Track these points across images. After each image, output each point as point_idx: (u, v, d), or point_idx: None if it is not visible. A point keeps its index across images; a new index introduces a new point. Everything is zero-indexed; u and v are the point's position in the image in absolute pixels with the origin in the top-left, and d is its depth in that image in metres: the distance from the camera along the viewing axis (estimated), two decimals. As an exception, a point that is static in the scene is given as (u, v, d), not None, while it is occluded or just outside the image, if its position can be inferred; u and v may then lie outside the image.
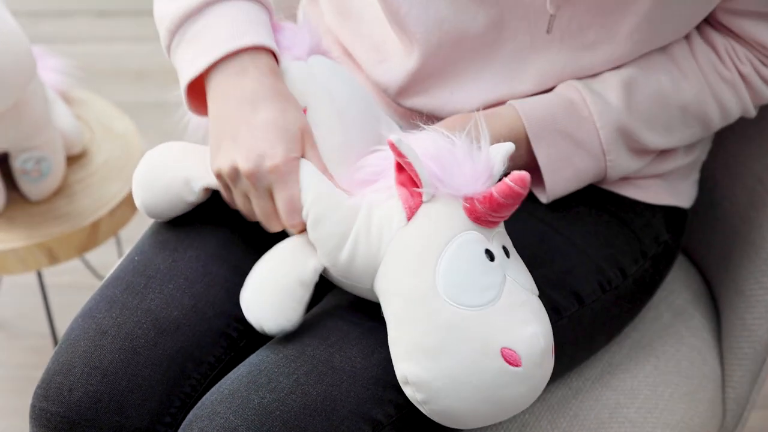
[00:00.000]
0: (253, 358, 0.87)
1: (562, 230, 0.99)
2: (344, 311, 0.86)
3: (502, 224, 0.85)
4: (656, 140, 0.99)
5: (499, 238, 0.84)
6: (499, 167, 0.82)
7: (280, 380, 0.84)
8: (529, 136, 0.96)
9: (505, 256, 0.83)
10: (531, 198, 1.00)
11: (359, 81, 1.06)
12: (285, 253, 0.87)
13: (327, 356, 0.85)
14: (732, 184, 1.15)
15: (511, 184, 0.78)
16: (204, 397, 0.86)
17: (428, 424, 0.85)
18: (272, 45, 0.90)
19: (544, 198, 0.99)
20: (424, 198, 0.83)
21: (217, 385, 0.87)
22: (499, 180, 0.81)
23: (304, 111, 0.90)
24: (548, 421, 1.03)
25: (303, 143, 0.88)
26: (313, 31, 0.95)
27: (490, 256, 0.82)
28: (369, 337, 0.86)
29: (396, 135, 0.81)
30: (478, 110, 0.98)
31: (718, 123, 1.01)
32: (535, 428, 1.02)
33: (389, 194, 0.84)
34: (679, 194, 1.07)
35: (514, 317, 0.80)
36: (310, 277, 0.86)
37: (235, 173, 0.88)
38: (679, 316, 1.13)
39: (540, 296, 0.93)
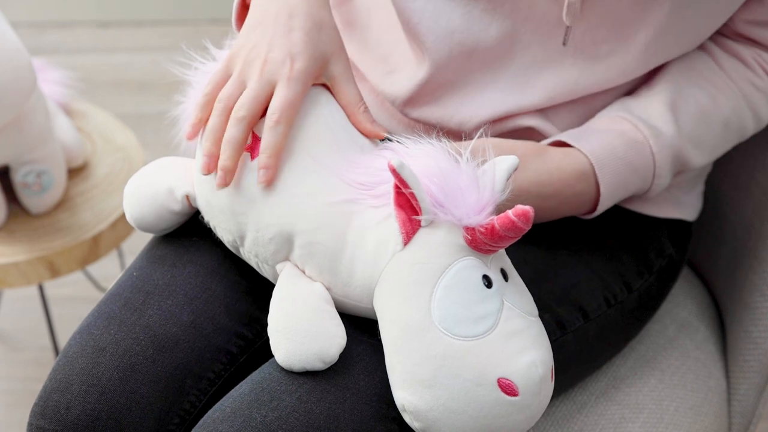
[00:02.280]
0: (256, 376, 0.87)
1: (567, 244, 0.99)
2: (348, 328, 0.86)
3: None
4: (702, 159, 0.99)
5: (497, 262, 0.82)
6: (501, 189, 0.81)
7: (282, 398, 0.83)
8: (595, 167, 0.94)
9: (503, 280, 0.82)
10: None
11: (365, 94, 1.05)
12: (290, 292, 0.86)
13: (330, 374, 0.84)
14: (737, 195, 1.15)
15: (515, 219, 0.77)
16: (206, 415, 0.86)
17: None
18: None
19: (586, 216, 0.98)
20: (422, 224, 0.81)
21: (219, 403, 0.86)
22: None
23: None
24: (553, 436, 1.02)
25: (327, 64, 0.89)
26: None
27: (488, 281, 0.81)
28: (372, 353, 0.85)
29: (397, 158, 0.79)
30: (485, 123, 0.98)
31: (752, 132, 1.01)
32: (540, 443, 1.01)
33: (386, 214, 0.83)
34: (684, 207, 1.06)
35: (511, 346, 0.79)
36: (328, 294, 0.86)
37: (253, 55, 0.87)
38: (684, 329, 1.13)
39: (545, 311, 0.92)
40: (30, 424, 0.90)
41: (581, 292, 0.97)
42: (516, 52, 0.96)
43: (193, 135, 0.89)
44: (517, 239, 0.79)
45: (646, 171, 0.96)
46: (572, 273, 0.97)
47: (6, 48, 1.25)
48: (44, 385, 0.90)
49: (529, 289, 0.86)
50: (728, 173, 1.15)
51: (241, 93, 0.87)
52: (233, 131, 0.86)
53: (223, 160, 0.86)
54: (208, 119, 0.88)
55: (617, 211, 1.02)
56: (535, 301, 0.86)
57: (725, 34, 1.00)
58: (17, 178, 1.35)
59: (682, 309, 1.15)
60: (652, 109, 0.96)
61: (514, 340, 0.80)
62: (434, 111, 1.00)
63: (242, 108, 0.86)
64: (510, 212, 0.77)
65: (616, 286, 0.99)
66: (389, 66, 1.02)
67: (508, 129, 0.99)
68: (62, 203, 1.40)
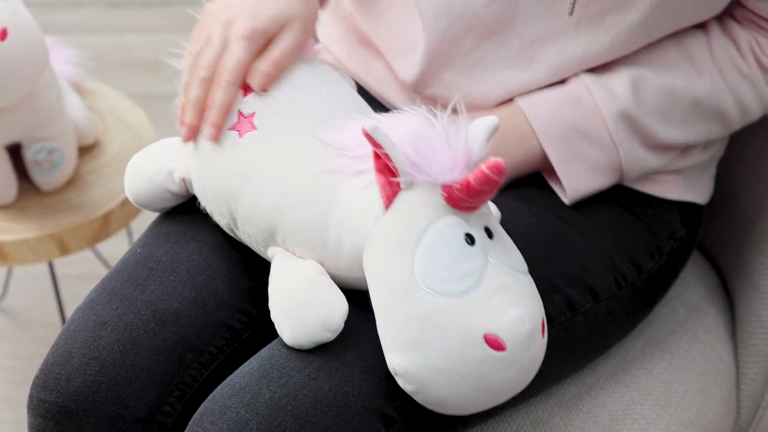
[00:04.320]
0: (265, 352, 0.87)
1: (577, 226, 0.98)
2: (355, 306, 0.86)
3: (487, 204, 0.84)
4: (670, 133, 0.98)
5: (480, 220, 0.82)
6: (480, 147, 0.81)
7: (291, 375, 0.83)
8: (538, 134, 0.95)
9: (487, 238, 0.82)
10: (546, 193, 1.00)
11: (378, 69, 1.05)
12: (284, 272, 0.86)
13: (339, 351, 0.84)
14: (748, 177, 1.15)
15: (488, 171, 0.77)
16: (215, 391, 0.86)
17: (439, 417, 0.84)
18: None
19: (566, 199, 0.99)
20: (401, 186, 0.82)
21: (228, 379, 0.86)
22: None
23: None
24: (561, 417, 1.02)
25: (285, 26, 0.91)
26: None
27: (471, 239, 0.81)
28: None
29: (371, 122, 0.80)
30: (497, 102, 0.98)
31: (737, 120, 1.00)
32: (548, 424, 1.01)
33: (369, 181, 0.83)
34: (696, 189, 1.06)
35: (496, 302, 0.79)
36: (321, 268, 0.86)
37: (216, 13, 0.91)
38: (693, 313, 1.13)
39: (555, 292, 0.92)
40: (31, 396, 0.91)
41: (591, 274, 0.97)
42: (517, 26, 0.96)
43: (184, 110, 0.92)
44: (494, 193, 0.79)
45: (602, 137, 0.96)
46: (582, 254, 0.97)
47: (19, 25, 1.25)
48: (46, 358, 0.91)
49: (539, 270, 0.86)
50: (740, 156, 1.15)
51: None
52: (195, 92, 0.90)
53: (188, 118, 0.91)
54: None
55: (628, 192, 1.02)
56: (545, 282, 0.86)
57: (734, 15, 0.99)
58: (28, 155, 1.35)
59: (692, 292, 1.15)
60: (616, 78, 0.97)
61: (500, 296, 0.80)
62: (444, 92, 1.00)
63: (201, 69, 0.90)
64: (482, 165, 0.77)
65: (626, 267, 0.99)
66: (405, 43, 1.02)
67: None
68: (73, 181, 1.40)
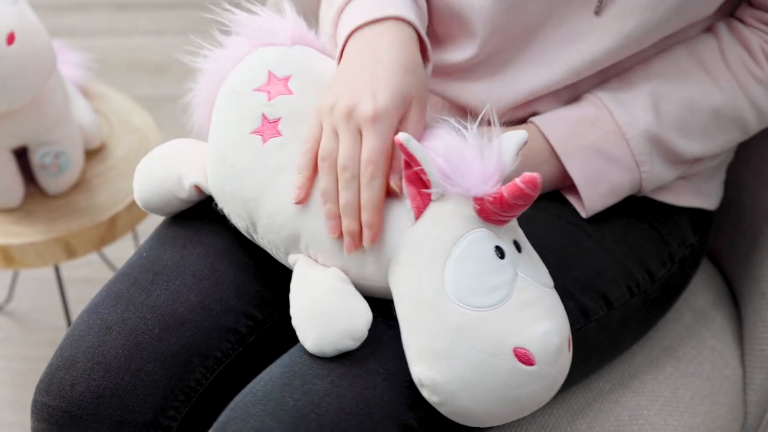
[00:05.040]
0: (286, 359, 0.86)
1: (591, 233, 0.98)
2: (377, 313, 0.86)
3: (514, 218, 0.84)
4: (693, 147, 0.98)
5: (509, 233, 0.82)
6: (510, 161, 0.81)
7: (314, 382, 0.83)
8: (560, 154, 0.95)
9: (516, 251, 0.82)
10: (560, 200, 1.00)
11: None
12: (307, 280, 0.86)
13: (361, 358, 0.84)
14: (755, 183, 1.15)
15: (522, 186, 0.77)
16: (236, 398, 0.86)
17: (460, 428, 0.84)
18: (415, 21, 0.90)
19: (583, 213, 0.99)
20: (432, 197, 0.82)
21: (249, 386, 0.86)
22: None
23: (288, 78, 0.90)
24: (568, 423, 1.02)
25: (409, 107, 0.85)
26: (297, 23, 0.94)
27: (500, 253, 0.81)
28: None
29: (404, 133, 0.79)
30: (513, 104, 0.98)
31: (755, 125, 1.00)
32: (555, 430, 1.01)
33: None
34: (705, 195, 1.06)
35: (526, 315, 0.80)
36: (344, 275, 0.86)
37: (332, 107, 0.85)
38: (700, 318, 1.13)
39: (569, 299, 0.92)
40: (35, 401, 0.91)
41: (605, 281, 0.97)
42: (546, 27, 0.95)
43: (305, 198, 0.86)
44: (526, 208, 0.79)
45: (625, 159, 0.96)
46: (596, 261, 0.97)
47: (26, 29, 1.25)
48: (50, 362, 0.91)
49: (554, 277, 0.86)
50: (746, 161, 1.14)
51: (337, 145, 0.85)
52: (348, 195, 0.83)
53: (346, 224, 0.84)
54: (313, 177, 0.86)
55: (640, 199, 1.02)
56: (560, 289, 0.86)
57: (742, 18, 0.99)
58: (35, 158, 1.35)
59: (698, 298, 1.14)
60: (635, 95, 0.96)
61: (529, 310, 0.80)
62: (464, 87, 0.99)
63: (346, 169, 0.83)
64: (517, 180, 0.77)
65: (639, 275, 0.99)
66: (435, 43, 1.01)
67: (532, 114, 0.99)
68: (79, 185, 1.40)
